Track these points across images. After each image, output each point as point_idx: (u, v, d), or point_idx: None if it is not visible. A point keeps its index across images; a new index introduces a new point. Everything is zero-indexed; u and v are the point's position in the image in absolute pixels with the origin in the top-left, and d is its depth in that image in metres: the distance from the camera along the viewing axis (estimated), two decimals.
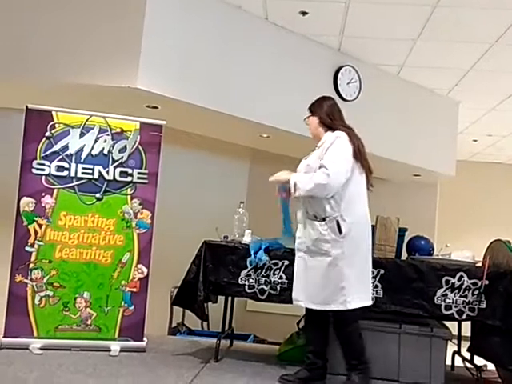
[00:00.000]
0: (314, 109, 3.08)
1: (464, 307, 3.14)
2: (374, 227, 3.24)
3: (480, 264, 3.31)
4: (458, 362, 3.70)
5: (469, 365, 3.54)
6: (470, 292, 3.13)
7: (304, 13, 4.74)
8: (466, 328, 3.53)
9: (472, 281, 3.13)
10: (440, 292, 3.15)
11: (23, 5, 4.34)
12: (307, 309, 3.02)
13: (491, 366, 3.36)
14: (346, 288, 2.81)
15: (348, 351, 2.92)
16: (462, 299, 3.13)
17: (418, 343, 3.27)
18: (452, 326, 3.49)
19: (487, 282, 3.09)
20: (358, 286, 2.87)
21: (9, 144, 4.02)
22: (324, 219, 2.86)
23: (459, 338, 3.72)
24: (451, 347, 3.54)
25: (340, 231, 2.82)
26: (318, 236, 2.87)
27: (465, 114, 6.60)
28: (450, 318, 3.18)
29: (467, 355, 3.54)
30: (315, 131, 3.06)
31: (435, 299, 3.14)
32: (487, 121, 7.02)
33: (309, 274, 2.92)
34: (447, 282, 3.15)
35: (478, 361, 3.40)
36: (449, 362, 3.59)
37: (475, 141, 7.89)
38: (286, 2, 4.65)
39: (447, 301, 3.14)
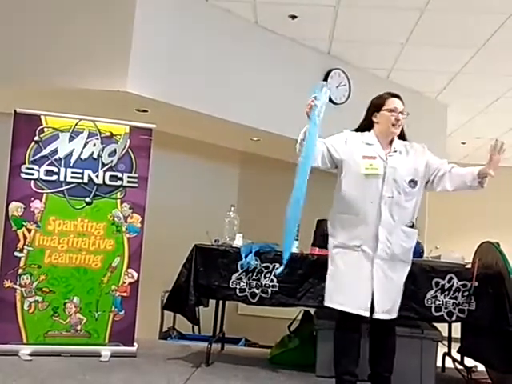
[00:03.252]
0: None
1: (454, 309, 3.15)
2: None
3: (469, 266, 3.33)
4: (449, 363, 3.72)
5: (459, 366, 3.56)
6: (460, 294, 3.14)
7: (293, 16, 4.76)
8: (456, 329, 3.54)
9: (462, 282, 3.15)
10: (430, 294, 3.16)
11: (13, 8, 4.31)
12: (346, 317, 2.75)
13: (481, 367, 3.38)
14: None
15: (388, 362, 2.85)
16: (452, 301, 3.15)
17: (409, 345, 3.27)
18: (442, 327, 3.50)
19: (477, 284, 3.11)
20: None
21: None
22: (414, 227, 2.84)
23: (449, 339, 3.74)
24: (442, 349, 3.56)
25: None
26: (411, 245, 2.82)
27: (453, 116, 6.66)
28: (440, 319, 3.19)
29: (457, 356, 3.56)
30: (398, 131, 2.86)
31: (425, 301, 3.15)
32: (476, 123, 7.09)
33: (392, 283, 2.77)
34: (437, 283, 3.16)
35: (469, 362, 3.42)
36: (439, 363, 3.61)
37: (463, 143, 7.96)
38: (276, 6, 4.66)
39: (437, 302, 3.15)
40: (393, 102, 2.84)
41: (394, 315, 2.79)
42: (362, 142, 2.83)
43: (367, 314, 2.70)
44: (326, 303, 2.82)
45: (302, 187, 2.62)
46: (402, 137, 2.92)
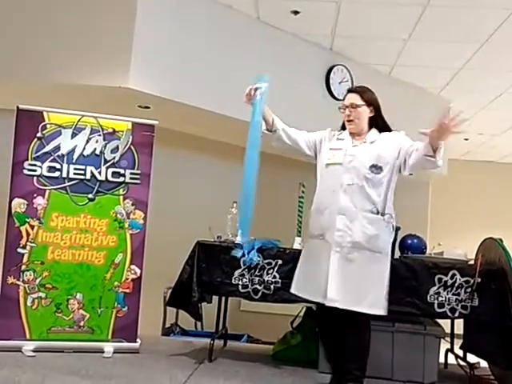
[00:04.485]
0: (371, 101, 2.80)
1: (457, 305, 3.15)
2: None
3: (472, 262, 3.33)
4: (451, 359, 3.72)
5: (462, 362, 3.56)
6: (463, 290, 3.14)
7: (296, 12, 4.75)
8: (459, 326, 3.54)
9: (464, 279, 3.15)
10: (433, 290, 3.16)
11: (14, 5, 4.31)
12: (327, 311, 2.73)
13: (484, 364, 3.38)
14: (387, 292, 2.73)
15: (359, 359, 2.72)
16: (455, 297, 3.15)
17: (412, 341, 3.28)
18: (445, 323, 3.50)
19: (479, 280, 3.11)
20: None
21: None
22: (383, 214, 2.74)
23: (452, 335, 3.74)
24: (444, 345, 3.56)
25: (393, 228, 2.82)
26: (377, 232, 2.70)
27: (456, 112, 6.63)
28: (443, 315, 3.19)
29: (460, 353, 3.55)
30: (362, 123, 2.81)
31: (428, 297, 3.15)
32: (478, 119, 7.06)
33: (351, 272, 2.68)
34: (440, 280, 3.16)
35: (471, 358, 3.42)
36: (442, 359, 3.61)
37: (466, 139, 7.93)
38: (278, 2, 4.65)
39: (440, 299, 3.15)
40: (345, 99, 2.88)
41: (357, 307, 2.64)
42: (336, 138, 2.92)
43: (324, 302, 2.69)
44: (291, 290, 2.92)
45: (250, 180, 2.72)
46: (384, 128, 2.87)
